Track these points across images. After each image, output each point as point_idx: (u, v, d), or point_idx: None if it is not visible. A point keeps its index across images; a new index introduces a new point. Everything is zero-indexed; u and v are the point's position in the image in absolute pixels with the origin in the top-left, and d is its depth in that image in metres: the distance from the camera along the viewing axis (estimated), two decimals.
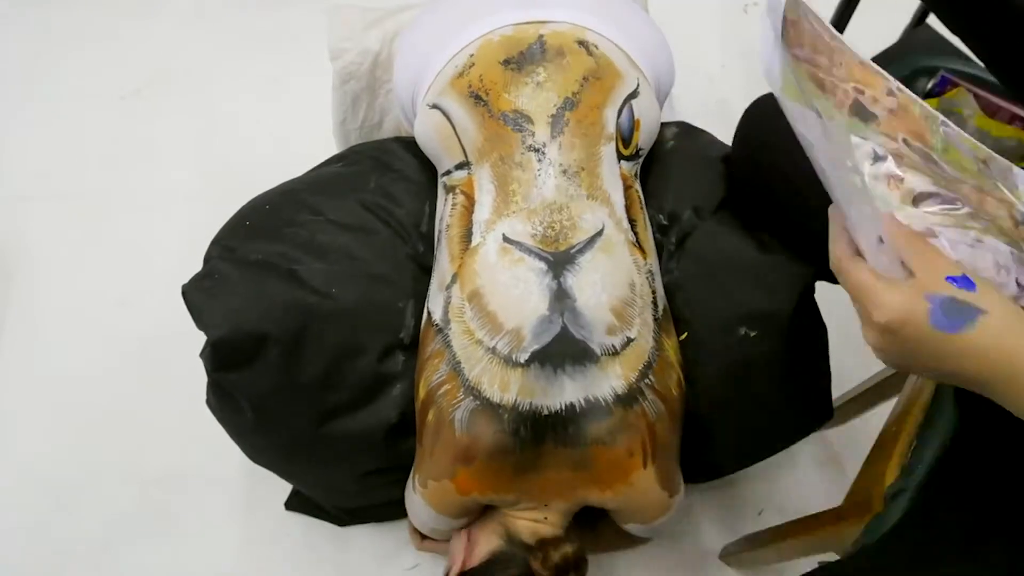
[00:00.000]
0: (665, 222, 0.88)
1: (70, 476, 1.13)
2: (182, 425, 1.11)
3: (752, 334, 0.78)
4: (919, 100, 0.52)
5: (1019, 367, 0.38)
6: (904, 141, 0.51)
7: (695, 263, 0.83)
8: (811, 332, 0.84)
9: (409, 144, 0.97)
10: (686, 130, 0.99)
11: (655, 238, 0.86)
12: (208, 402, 0.84)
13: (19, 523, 1.10)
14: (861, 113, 0.58)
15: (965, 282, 0.41)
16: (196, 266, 0.87)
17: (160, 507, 1.11)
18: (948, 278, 0.41)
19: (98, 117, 1.55)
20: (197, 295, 0.79)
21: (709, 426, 0.83)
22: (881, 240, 0.45)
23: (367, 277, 0.83)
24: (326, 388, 0.80)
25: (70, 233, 1.40)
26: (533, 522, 0.79)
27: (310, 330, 0.78)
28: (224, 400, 0.82)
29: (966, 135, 0.49)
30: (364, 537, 1.07)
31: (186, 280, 0.85)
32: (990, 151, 0.49)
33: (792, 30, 0.53)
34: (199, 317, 0.79)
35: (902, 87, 0.54)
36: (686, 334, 0.80)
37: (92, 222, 1.40)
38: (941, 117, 0.50)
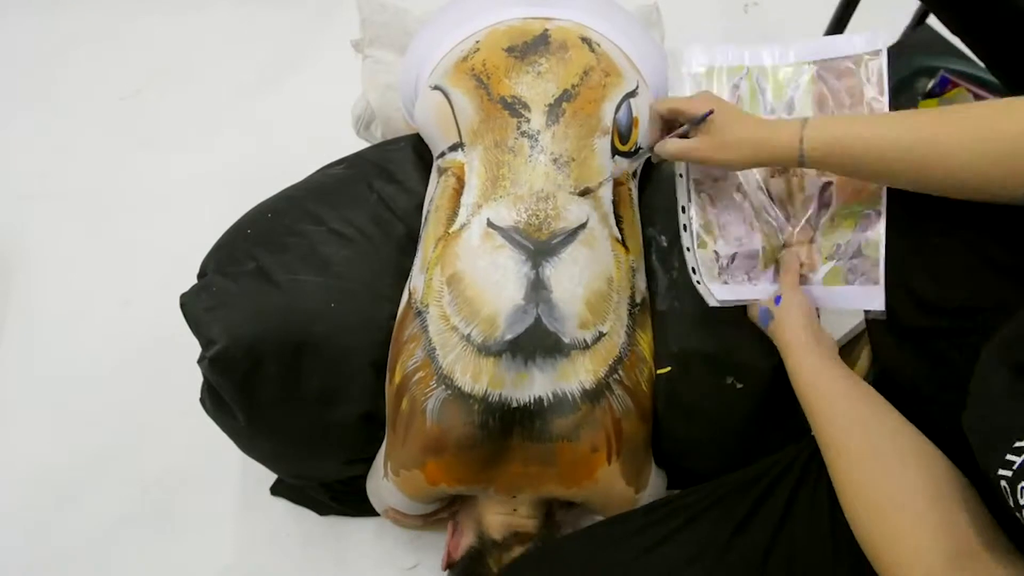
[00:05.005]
0: (665, 245, 0.87)
1: (70, 476, 1.13)
2: (182, 425, 1.11)
3: (739, 386, 0.78)
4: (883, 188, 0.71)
5: (784, 347, 0.68)
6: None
7: (693, 300, 0.81)
8: None
9: (411, 153, 0.97)
10: None
11: (654, 262, 0.86)
12: (202, 401, 0.85)
13: (19, 523, 1.10)
14: None
15: (779, 300, 0.72)
16: (196, 267, 0.87)
17: (160, 507, 1.10)
18: (776, 298, 0.72)
19: (98, 117, 1.55)
20: (195, 307, 0.79)
21: (685, 451, 0.84)
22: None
23: (367, 292, 0.83)
24: (322, 404, 0.81)
25: (70, 233, 1.39)
26: (504, 515, 0.80)
27: (307, 347, 0.78)
28: (218, 404, 0.82)
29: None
30: (363, 536, 1.07)
31: (186, 280, 0.85)
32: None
33: (846, 66, 0.76)
34: (197, 329, 0.79)
35: None
36: (669, 368, 0.79)
37: (92, 222, 1.40)
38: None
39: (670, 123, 0.75)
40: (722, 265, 0.77)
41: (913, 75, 1.14)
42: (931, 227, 0.67)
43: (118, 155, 1.49)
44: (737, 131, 0.68)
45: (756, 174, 0.78)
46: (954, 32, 0.87)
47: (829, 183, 0.75)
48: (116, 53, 1.66)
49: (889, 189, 0.71)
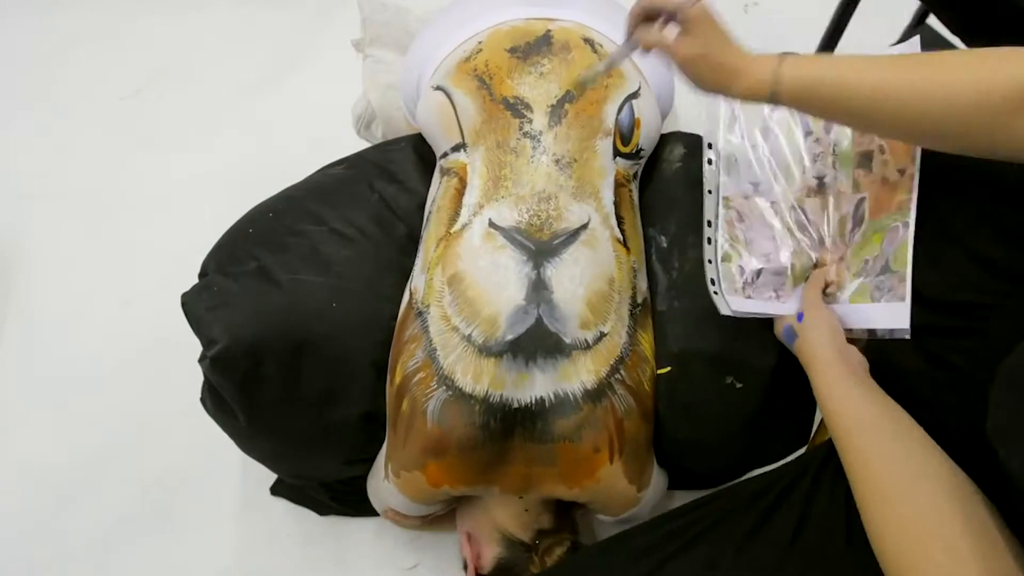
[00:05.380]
0: (665, 245, 0.87)
1: (70, 476, 1.13)
2: (182, 425, 1.11)
3: (739, 385, 0.78)
4: (912, 197, 0.70)
5: (810, 367, 0.66)
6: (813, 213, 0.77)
7: (693, 301, 0.81)
8: (797, 378, 0.83)
9: (412, 153, 0.97)
10: (694, 150, 0.95)
11: (654, 263, 0.86)
12: (203, 401, 0.84)
13: (19, 523, 1.10)
14: (861, 160, 0.76)
15: (801, 317, 0.70)
16: (196, 267, 0.87)
17: (160, 507, 1.11)
18: (798, 315, 0.71)
19: (98, 117, 1.55)
20: (197, 307, 0.80)
21: (685, 451, 0.84)
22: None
23: (368, 292, 0.83)
24: (323, 403, 0.81)
25: (70, 233, 1.39)
26: (518, 516, 0.81)
27: (308, 346, 0.78)
28: (219, 404, 0.82)
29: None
30: (363, 536, 1.07)
31: (186, 280, 0.85)
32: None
33: None
34: (199, 329, 0.79)
35: (915, 177, 0.70)
36: (669, 368, 0.79)
37: (92, 222, 1.40)
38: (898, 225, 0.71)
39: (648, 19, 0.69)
40: (747, 280, 0.76)
41: None
42: (939, 227, 0.66)
43: (118, 155, 1.49)
44: (717, 52, 0.65)
45: (791, 194, 0.78)
46: (954, 32, 0.87)
47: (863, 199, 0.73)
48: (116, 53, 1.66)
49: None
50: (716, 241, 0.76)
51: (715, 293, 0.75)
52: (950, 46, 1.16)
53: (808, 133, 0.79)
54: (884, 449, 0.56)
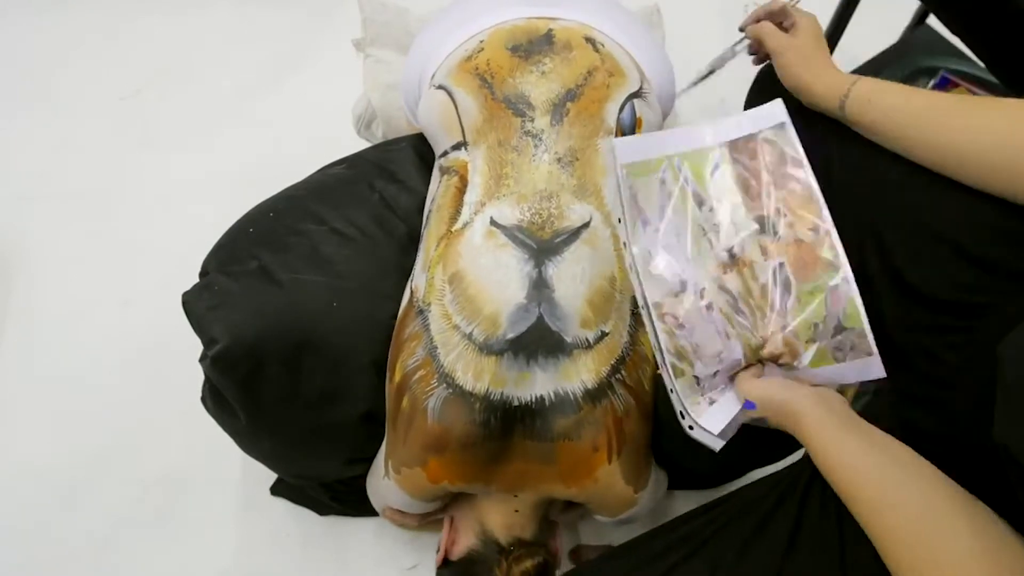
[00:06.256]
0: None
1: (70, 476, 1.13)
2: (182, 425, 1.11)
3: None
4: (839, 251, 0.68)
5: (798, 433, 0.61)
6: (735, 290, 0.70)
7: None
8: None
9: (412, 153, 0.97)
10: None
11: None
12: (203, 400, 0.85)
13: (19, 523, 1.10)
14: (763, 224, 0.72)
15: (749, 405, 0.66)
16: (197, 267, 0.87)
17: (160, 507, 1.11)
18: (746, 403, 0.66)
19: (98, 117, 1.55)
20: (198, 306, 0.79)
21: (685, 452, 0.83)
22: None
23: (369, 292, 0.83)
24: (324, 403, 0.81)
25: (71, 233, 1.39)
26: (506, 515, 0.81)
27: (309, 346, 0.78)
28: (219, 403, 0.82)
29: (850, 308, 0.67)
30: (363, 537, 1.07)
31: (187, 280, 0.85)
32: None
33: (754, 144, 0.73)
34: (199, 328, 0.79)
35: (832, 232, 0.69)
36: None
37: (92, 222, 1.40)
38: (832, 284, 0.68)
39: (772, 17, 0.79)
40: (704, 387, 0.68)
41: (913, 75, 1.14)
42: (921, 227, 0.66)
43: (118, 155, 1.49)
44: (810, 51, 0.73)
45: (712, 272, 0.70)
46: (954, 32, 0.88)
47: (780, 264, 0.69)
48: (116, 53, 1.66)
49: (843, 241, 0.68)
50: (665, 360, 0.67)
51: (691, 428, 0.67)
52: (950, 46, 1.16)
53: (701, 203, 0.72)
54: (894, 497, 0.54)
